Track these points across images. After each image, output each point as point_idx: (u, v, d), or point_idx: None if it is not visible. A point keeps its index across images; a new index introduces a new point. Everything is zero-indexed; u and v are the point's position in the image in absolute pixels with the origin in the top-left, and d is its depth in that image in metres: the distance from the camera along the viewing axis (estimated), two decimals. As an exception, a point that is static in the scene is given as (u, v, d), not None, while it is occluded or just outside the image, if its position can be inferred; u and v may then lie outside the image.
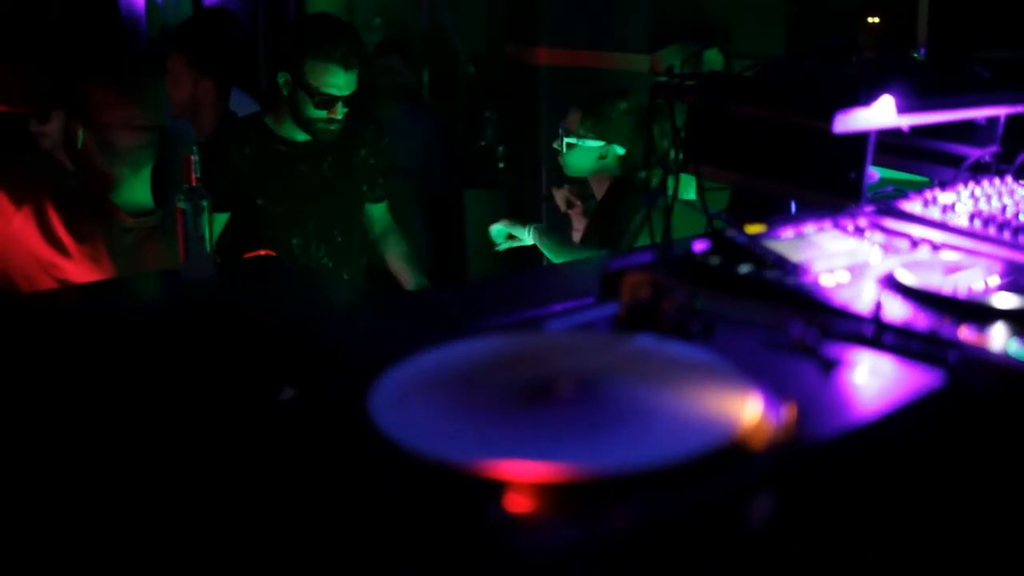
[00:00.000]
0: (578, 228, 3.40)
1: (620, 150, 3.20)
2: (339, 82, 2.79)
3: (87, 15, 5.42)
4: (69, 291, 2.10)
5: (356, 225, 3.13)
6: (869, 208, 1.55)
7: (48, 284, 2.22)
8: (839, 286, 1.28)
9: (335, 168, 2.99)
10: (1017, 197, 1.65)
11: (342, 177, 3.01)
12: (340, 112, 2.83)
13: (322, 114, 2.82)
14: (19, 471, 1.01)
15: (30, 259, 2.20)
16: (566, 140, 3.23)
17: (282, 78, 2.84)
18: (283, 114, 2.89)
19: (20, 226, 2.19)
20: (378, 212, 3.23)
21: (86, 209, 2.28)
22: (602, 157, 3.21)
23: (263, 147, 2.89)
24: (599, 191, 3.26)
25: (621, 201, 3.14)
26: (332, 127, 2.86)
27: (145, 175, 2.35)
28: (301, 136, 2.91)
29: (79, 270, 2.24)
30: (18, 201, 2.20)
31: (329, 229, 3.00)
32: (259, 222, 2.90)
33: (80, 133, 2.27)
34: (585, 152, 3.22)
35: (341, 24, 2.93)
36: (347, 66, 2.79)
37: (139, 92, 2.34)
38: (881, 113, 1.51)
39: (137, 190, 2.34)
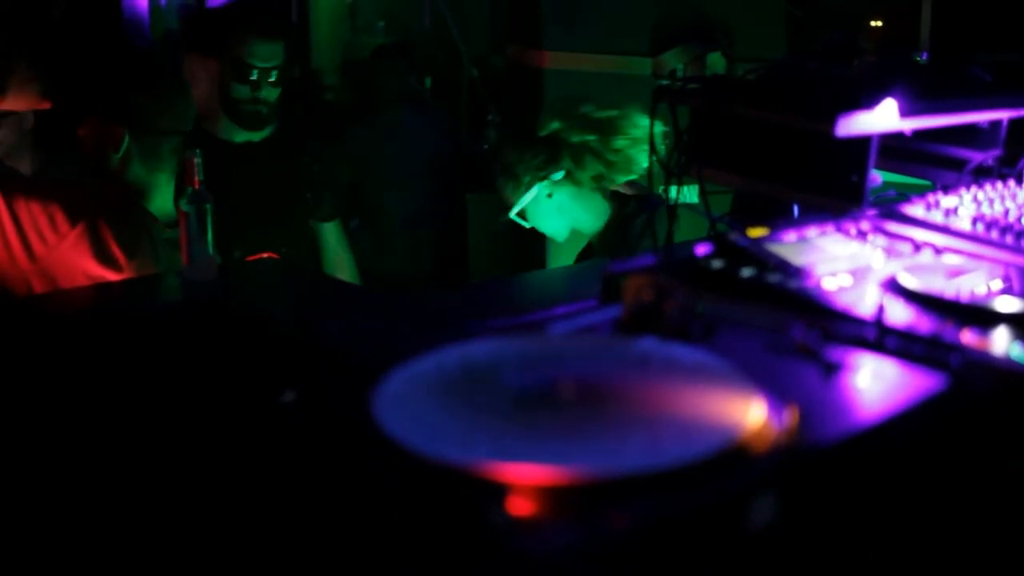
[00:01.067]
0: None
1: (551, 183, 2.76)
2: (260, 52, 2.75)
3: (89, 16, 5.42)
4: (72, 293, 2.09)
5: (304, 239, 3.01)
6: (871, 212, 1.55)
7: None
8: (841, 290, 1.28)
9: (275, 173, 2.90)
10: (1020, 201, 1.65)
11: (282, 183, 2.92)
12: (266, 90, 2.78)
13: (246, 92, 2.76)
14: (25, 473, 1.01)
15: (81, 277, 2.17)
16: (513, 217, 2.80)
17: (202, 63, 2.81)
18: (212, 109, 2.83)
19: (74, 244, 2.17)
20: (328, 233, 3.07)
21: (131, 221, 2.27)
22: (549, 196, 2.77)
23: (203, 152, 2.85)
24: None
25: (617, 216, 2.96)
26: (261, 108, 2.79)
27: (172, 182, 2.35)
28: (239, 137, 2.86)
29: None
30: (73, 218, 2.17)
31: (273, 240, 2.85)
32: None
33: (125, 139, 2.26)
34: (533, 209, 2.80)
35: (262, 2, 2.93)
36: (266, 35, 2.76)
37: (183, 97, 2.35)
38: (884, 116, 1.51)
39: (168, 197, 2.34)
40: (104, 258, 2.20)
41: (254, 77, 2.76)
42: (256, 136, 2.89)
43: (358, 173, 4.43)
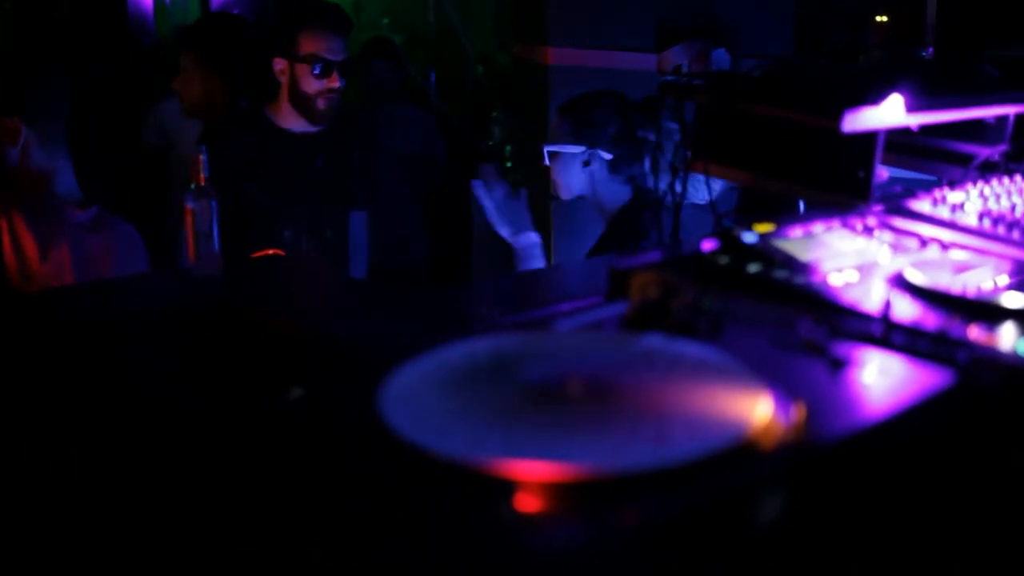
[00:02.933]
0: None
1: (606, 155, 2.93)
2: (333, 47, 2.94)
3: (95, 14, 5.43)
4: (75, 290, 2.10)
5: (345, 226, 3.18)
6: (878, 207, 1.55)
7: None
8: (848, 285, 1.28)
9: (329, 161, 3.08)
10: (1026, 196, 1.64)
11: (335, 172, 3.10)
12: (338, 81, 2.96)
13: (321, 85, 2.94)
14: (30, 470, 1.01)
15: (11, 271, 2.22)
16: (547, 150, 2.97)
17: (278, 64, 2.97)
18: (281, 102, 3.01)
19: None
20: (357, 221, 3.25)
21: (41, 208, 2.31)
22: (586, 164, 2.94)
23: (260, 137, 2.99)
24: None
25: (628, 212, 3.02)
26: (332, 100, 2.97)
27: (70, 160, 2.39)
28: (299, 127, 3.02)
29: (50, 274, 2.26)
30: None
31: (320, 224, 3.07)
32: (250, 212, 2.95)
33: (22, 130, 2.30)
34: (569, 161, 2.95)
35: (322, 1, 3.12)
36: (337, 30, 2.96)
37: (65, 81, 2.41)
38: (890, 112, 1.51)
39: (71, 177, 2.39)
40: (21, 248, 2.26)
41: (326, 72, 2.95)
42: (315, 127, 3.06)
43: None
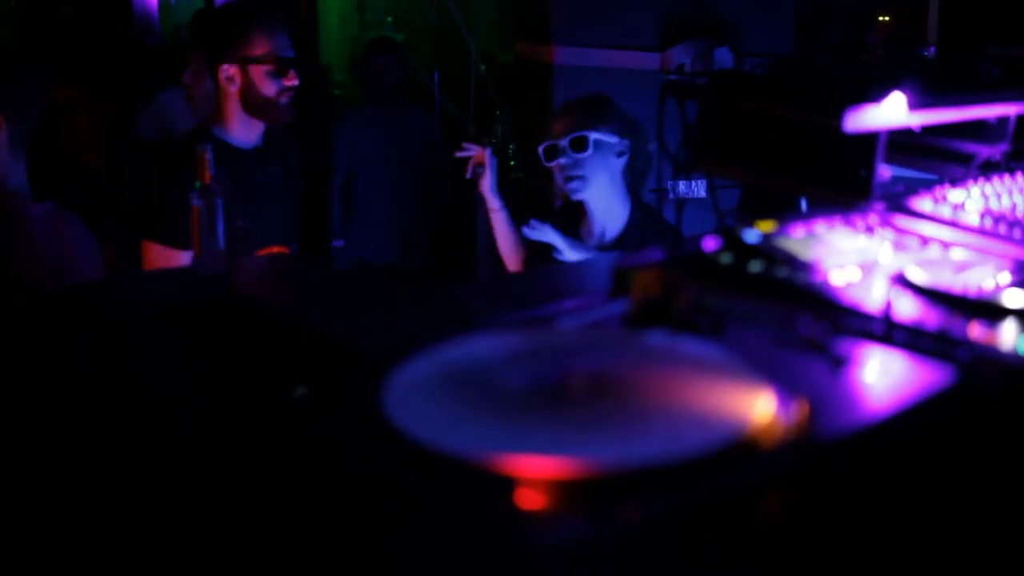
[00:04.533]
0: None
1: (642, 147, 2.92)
2: (285, 43, 2.80)
3: (99, 14, 5.44)
4: (79, 288, 2.10)
5: (294, 235, 3.06)
6: (879, 206, 1.55)
7: None
8: (849, 284, 1.29)
9: (285, 173, 2.95)
10: (1028, 195, 1.65)
11: (292, 182, 2.99)
12: (296, 78, 2.81)
13: (280, 84, 2.78)
14: (38, 467, 1.02)
15: None
16: (593, 137, 2.84)
17: (227, 71, 2.79)
18: (231, 114, 2.83)
19: None
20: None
21: (6, 208, 2.33)
22: (621, 154, 2.91)
23: (217, 159, 2.86)
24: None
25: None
26: (290, 100, 2.82)
27: (24, 157, 2.40)
28: (249, 141, 2.87)
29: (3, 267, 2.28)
30: None
31: (288, 241, 2.93)
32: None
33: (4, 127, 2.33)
34: (607, 152, 2.89)
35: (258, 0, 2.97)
36: (285, 27, 2.83)
37: (37, 79, 2.43)
38: (892, 111, 1.51)
39: (23, 174, 2.40)
40: None
41: (283, 70, 2.80)
42: (263, 139, 2.92)
43: (350, 163, 4.47)
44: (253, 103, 2.80)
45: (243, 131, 2.85)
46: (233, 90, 2.79)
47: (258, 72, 2.78)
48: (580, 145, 2.87)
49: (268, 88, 2.79)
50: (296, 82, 2.81)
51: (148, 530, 0.88)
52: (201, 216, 2.04)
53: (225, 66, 2.78)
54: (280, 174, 2.94)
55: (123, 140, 3.92)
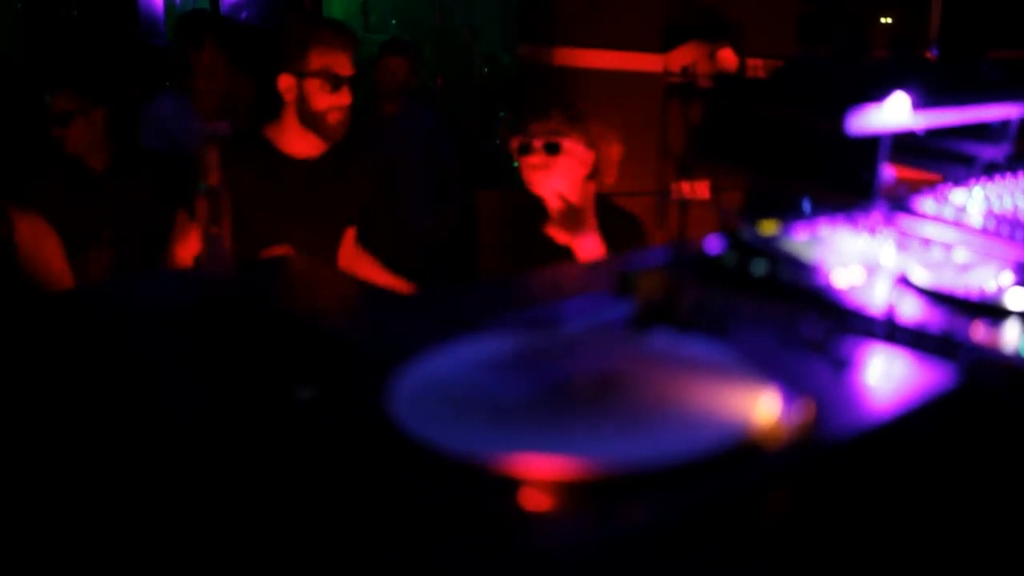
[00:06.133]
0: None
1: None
2: (343, 62, 2.87)
3: (105, 14, 5.44)
4: (85, 289, 2.11)
5: (337, 248, 3.11)
6: (882, 207, 1.55)
7: None
8: (852, 285, 1.29)
9: (330, 187, 2.98)
10: (1030, 197, 1.65)
11: (336, 199, 3.01)
12: (348, 96, 2.88)
13: (332, 101, 2.86)
14: (42, 468, 1.02)
15: None
16: (564, 144, 2.88)
17: (285, 82, 2.87)
18: (287, 123, 2.91)
19: None
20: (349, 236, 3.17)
21: None
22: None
23: (262, 163, 2.89)
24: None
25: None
26: (342, 116, 2.89)
27: None
28: (302, 151, 2.93)
29: None
30: None
31: (315, 250, 2.96)
32: (245, 236, 2.86)
33: None
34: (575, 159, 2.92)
35: (328, 17, 3.04)
36: (346, 46, 2.88)
37: None
38: (895, 113, 1.51)
39: None
40: None
41: (336, 87, 2.87)
42: (322, 146, 2.96)
43: None
44: (306, 116, 2.88)
45: (298, 142, 2.92)
46: (289, 100, 2.88)
47: (312, 86, 2.85)
48: (553, 150, 2.93)
49: (319, 103, 2.86)
50: (347, 99, 2.88)
51: (151, 530, 0.88)
52: (208, 217, 2.05)
53: (284, 76, 2.87)
54: (332, 190, 2.98)
55: (128, 149, 3.92)
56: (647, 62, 3.94)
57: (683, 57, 3.83)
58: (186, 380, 1.23)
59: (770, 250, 1.38)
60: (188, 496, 0.91)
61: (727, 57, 3.73)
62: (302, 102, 2.88)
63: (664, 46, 3.94)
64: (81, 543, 0.90)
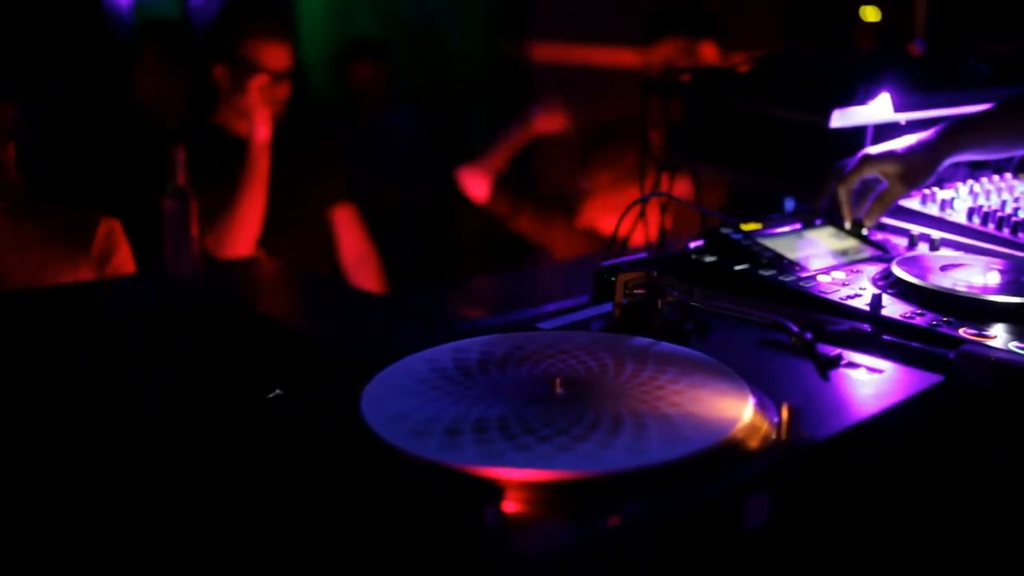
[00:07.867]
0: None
1: None
2: (277, 54, 2.83)
3: (69, 11, 5.39)
4: (53, 291, 2.08)
5: (318, 224, 3.08)
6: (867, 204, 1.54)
7: None
8: (836, 284, 1.27)
9: (293, 161, 2.93)
10: (1016, 194, 1.64)
11: (301, 172, 2.97)
12: (282, 89, 2.84)
13: (264, 93, 2.81)
14: (16, 472, 1.00)
15: None
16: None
17: (220, 72, 2.85)
18: (230, 109, 2.89)
19: None
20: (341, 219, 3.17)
21: None
22: None
23: (216, 146, 2.86)
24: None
25: None
26: (276, 107, 2.84)
27: None
28: (246, 136, 2.88)
29: None
30: None
31: (295, 228, 2.92)
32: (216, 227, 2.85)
33: None
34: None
35: (267, 2, 3.01)
36: (280, 38, 2.85)
37: None
38: (878, 109, 1.50)
39: None
40: None
41: (268, 80, 2.83)
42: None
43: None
44: (236, 103, 2.85)
45: (246, 124, 2.87)
46: (225, 88, 2.86)
47: (240, 75, 2.82)
48: None
49: (252, 95, 2.81)
50: (282, 92, 2.84)
51: (127, 528, 0.87)
52: (174, 218, 2.02)
53: (218, 67, 2.85)
54: (296, 164, 2.94)
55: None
56: (627, 57, 3.94)
57: (663, 52, 3.82)
58: (156, 383, 1.21)
59: (753, 248, 1.36)
60: (159, 500, 0.89)
61: (709, 52, 3.71)
62: (235, 93, 2.84)
63: (645, 40, 3.94)
64: (62, 538, 0.89)
